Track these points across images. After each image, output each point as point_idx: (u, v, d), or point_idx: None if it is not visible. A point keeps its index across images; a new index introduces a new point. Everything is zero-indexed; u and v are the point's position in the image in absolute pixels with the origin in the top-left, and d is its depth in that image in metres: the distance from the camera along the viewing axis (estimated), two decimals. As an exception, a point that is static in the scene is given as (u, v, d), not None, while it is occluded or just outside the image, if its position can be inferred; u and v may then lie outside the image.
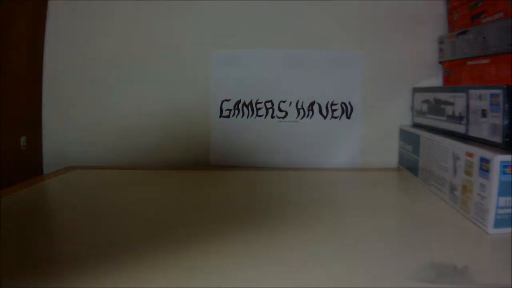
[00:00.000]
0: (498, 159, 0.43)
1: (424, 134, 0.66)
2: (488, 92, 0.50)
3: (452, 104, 0.60)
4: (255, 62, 0.80)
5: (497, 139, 0.48)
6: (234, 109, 0.81)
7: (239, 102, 0.81)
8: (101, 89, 0.81)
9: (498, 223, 0.44)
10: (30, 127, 0.79)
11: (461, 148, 0.51)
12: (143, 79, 0.80)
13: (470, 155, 0.49)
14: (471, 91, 0.54)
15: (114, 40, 0.80)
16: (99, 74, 0.80)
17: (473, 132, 0.54)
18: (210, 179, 0.73)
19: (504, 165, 0.43)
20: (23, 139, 0.76)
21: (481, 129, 0.52)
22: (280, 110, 0.81)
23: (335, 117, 0.80)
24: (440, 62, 0.76)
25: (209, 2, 0.79)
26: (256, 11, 0.79)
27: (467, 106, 0.55)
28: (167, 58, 0.80)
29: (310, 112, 0.80)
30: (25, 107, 0.78)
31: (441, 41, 0.75)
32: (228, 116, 0.81)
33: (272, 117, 0.81)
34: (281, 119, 0.81)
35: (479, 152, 0.47)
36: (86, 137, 0.81)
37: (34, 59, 0.79)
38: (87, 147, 0.81)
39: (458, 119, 0.58)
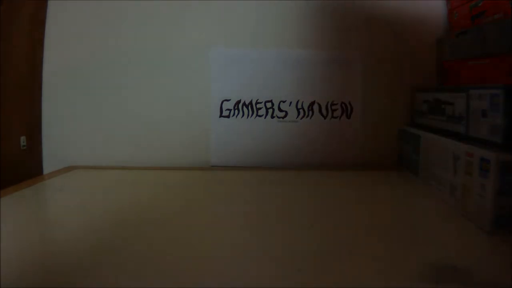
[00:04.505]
0: (498, 159, 0.43)
1: (424, 134, 0.66)
2: (488, 92, 0.50)
3: (452, 104, 0.60)
4: (255, 62, 0.80)
5: (497, 139, 0.48)
6: (234, 109, 0.81)
7: (239, 102, 0.81)
8: (100, 89, 0.81)
9: (498, 223, 0.44)
10: (30, 127, 0.78)
11: (461, 148, 0.51)
12: (143, 79, 0.80)
13: (470, 155, 0.49)
14: (471, 91, 0.54)
15: (113, 40, 0.80)
16: (99, 74, 0.80)
17: (473, 132, 0.54)
18: (210, 179, 0.73)
19: (504, 165, 0.43)
20: (23, 139, 0.76)
21: (481, 129, 0.52)
22: (280, 110, 0.81)
23: (335, 117, 0.80)
24: (440, 62, 0.76)
25: (210, 2, 0.79)
26: (256, 11, 0.79)
27: (467, 106, 0.55)
28: (166, 58, 0.80)
29: (310, 112, 0.80)
30: (25, 107, 0.78)
31: (441, 41, 0.75)
32: (228, 116, 0.81)
33: (272, 117, 0.81)
34: (281, 119, 0.81)
35: (479, 152, 0.47)
36: (86, 137, 0.81)
37: (34, 59, 0.79)
38: (87, 147, 0.81)
39: (458, 119, 0.58)
